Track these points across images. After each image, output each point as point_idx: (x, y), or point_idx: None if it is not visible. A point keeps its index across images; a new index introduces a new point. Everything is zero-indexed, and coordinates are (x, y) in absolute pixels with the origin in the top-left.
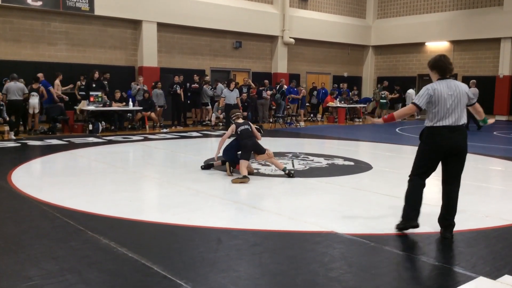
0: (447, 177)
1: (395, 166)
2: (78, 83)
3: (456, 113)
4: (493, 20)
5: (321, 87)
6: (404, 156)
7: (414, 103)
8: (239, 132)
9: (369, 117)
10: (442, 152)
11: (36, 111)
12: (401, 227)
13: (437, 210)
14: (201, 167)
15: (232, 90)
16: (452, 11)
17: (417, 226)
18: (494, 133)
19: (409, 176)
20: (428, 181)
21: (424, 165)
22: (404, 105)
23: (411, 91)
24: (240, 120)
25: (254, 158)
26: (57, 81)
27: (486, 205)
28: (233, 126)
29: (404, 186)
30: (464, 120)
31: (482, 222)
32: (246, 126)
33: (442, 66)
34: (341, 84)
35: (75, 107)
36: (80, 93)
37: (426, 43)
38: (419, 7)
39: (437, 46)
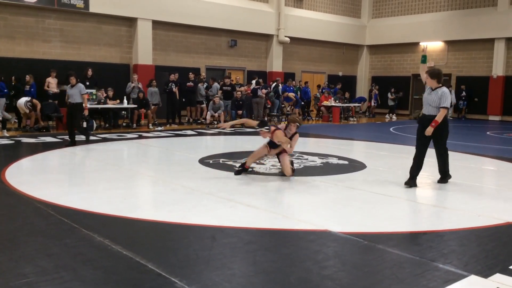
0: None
1: (389, 165)
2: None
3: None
4: (487, 20)
5: (305, 86)
6: (398, 155)
7: (445, 107)
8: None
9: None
10: None
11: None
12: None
13: (432, 210)
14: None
15: (73, 86)
16: (446, 11)
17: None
18: (487, 133)
19: (445, 147)
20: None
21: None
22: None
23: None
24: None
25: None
26: (50, 79)
27: (479, 204)
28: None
29: (398, 185)
30: None
31: (474, 221)
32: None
33: (441, 77)
34: (338, 85)
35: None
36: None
37: (420, 43)
38: (413, 7)
39: (432, 46)
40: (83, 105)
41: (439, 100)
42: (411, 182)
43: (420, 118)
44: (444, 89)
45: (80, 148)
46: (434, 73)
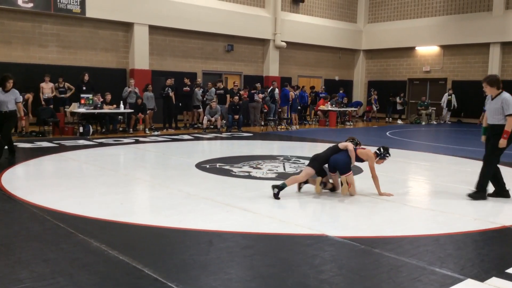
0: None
1: (385, 170)
2: (56, 84)
3: None
4: (482, 25)
5: (301, 90)
6: (394, 160)
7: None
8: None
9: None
10: None
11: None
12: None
13: (428, 214)
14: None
15: (7, 92)
16: (442, 16)
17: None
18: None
19: (492, 158)
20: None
21: (501, 153)
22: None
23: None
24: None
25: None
26: (43, 84)
27: (475, 208)
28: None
29: (394, 189)
30: None
31: (470, 225)
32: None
33: (500, 82)
34: (341, 89)
35: (65, 109)
36: (60, 95)
37: (416, 48)
38: (409, 12)
39: (427, 50)
40: (17, 113)
41: (501, 109)
42: (479, 195)
43: (485, 128)
44: (505, 95)
45: (76, 153)
46: (493, 80)
